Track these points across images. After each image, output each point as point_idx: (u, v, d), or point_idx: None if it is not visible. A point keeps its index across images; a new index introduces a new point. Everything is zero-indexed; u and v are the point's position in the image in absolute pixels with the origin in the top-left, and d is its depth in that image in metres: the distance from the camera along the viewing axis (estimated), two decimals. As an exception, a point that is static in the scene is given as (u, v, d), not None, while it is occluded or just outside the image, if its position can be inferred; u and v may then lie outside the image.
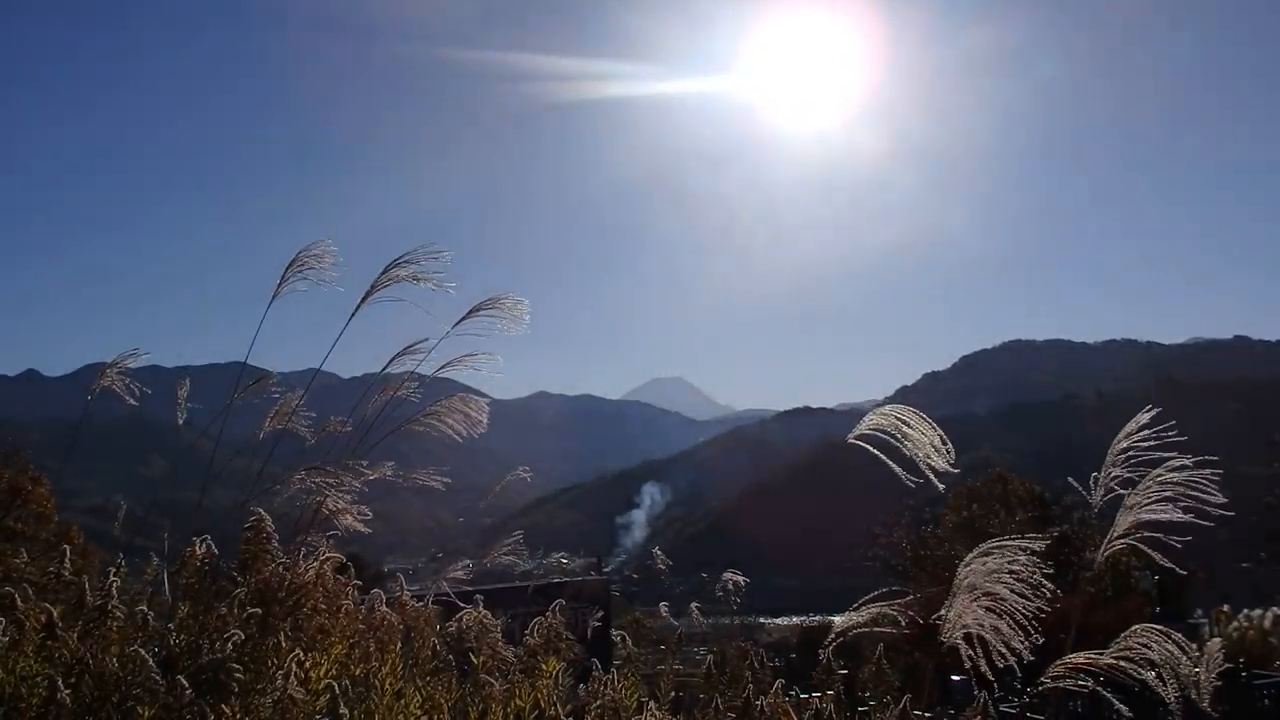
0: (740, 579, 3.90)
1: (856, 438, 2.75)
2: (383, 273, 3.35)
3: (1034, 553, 2.62)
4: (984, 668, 2.50)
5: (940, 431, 2.69)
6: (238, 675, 2.13)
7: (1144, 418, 2.69)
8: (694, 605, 4.26)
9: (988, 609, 2.56)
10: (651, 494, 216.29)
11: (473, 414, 3.39)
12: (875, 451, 2.70)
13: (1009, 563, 2.61)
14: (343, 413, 3.59)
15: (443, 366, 3.38)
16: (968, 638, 2.55)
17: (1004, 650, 2.50)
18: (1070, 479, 2.96)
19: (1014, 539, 2.67)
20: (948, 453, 2.66)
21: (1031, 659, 2.51)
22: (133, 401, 3.52)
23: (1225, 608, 21.19)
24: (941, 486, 2.67)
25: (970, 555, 2.65)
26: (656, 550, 5.16)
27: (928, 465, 2.65)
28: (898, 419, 2.70)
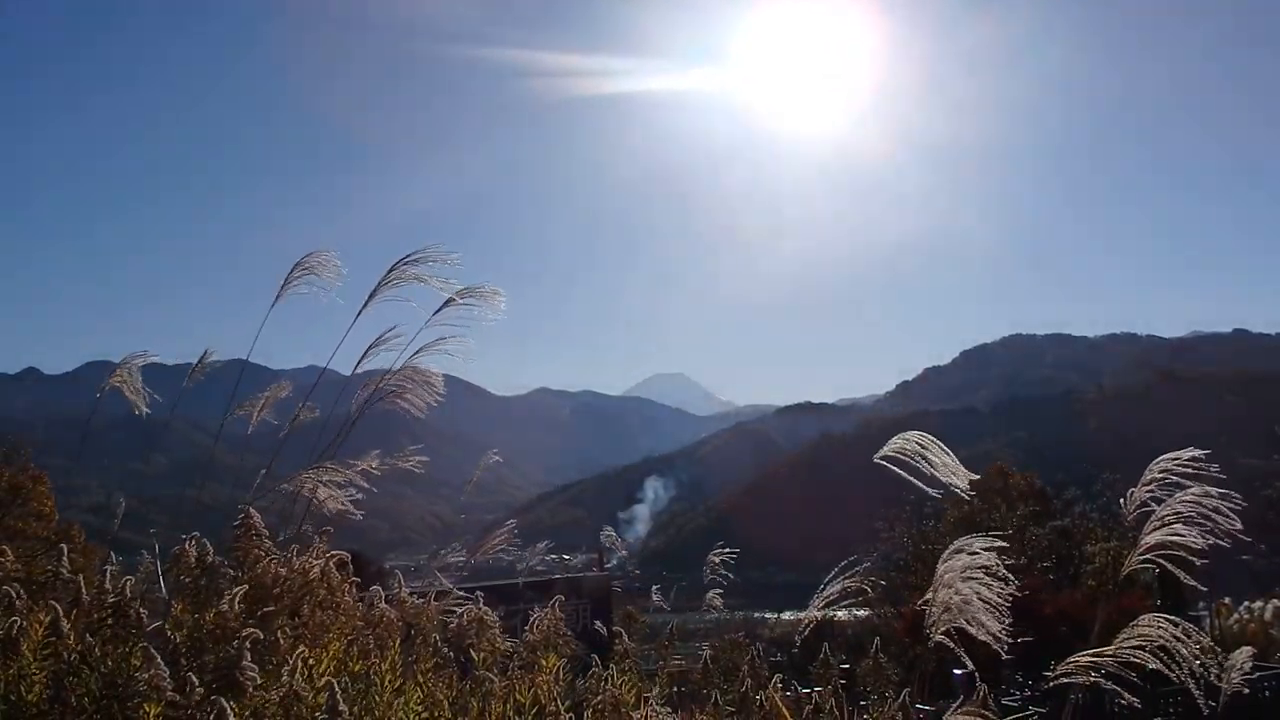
0: (723, 557, 3.94)
1: (881, 457, 2.99)
2: (389, 271, 3.38)
3: (999, 550, 2.80)
4: (966, 660, 2.62)
5: (955, 459, 2.95)
6: (252, 675, 2.13)
7: (1184, 454, 2.87)
8: (655, 592, 4.29)
9: (964, 603, 2.74)
10: (655, 487, 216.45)
11: (431, 383, 3.42)
12: (899, 471, 2.96)
13: (976, 558, 2.80)
14: (344, 409, 3.60)
15: (416, 354, 3.41)
16: (949, 632, 2.67)
17: (985, 640, 2.62)
18: (1118, 502, 3.10)
19: (980, 538, 2.87)
20: (964, 475, 2.92)
21: (1012, 649, 2.61)
22: (144, 408, 3.51)
23: (1226, 600, 21.22)
24: (967, 494, 2.90)
25: (945, 553, 2.81)
26: (607, 529, 5.11)
27: (950, 483, 2.90)
28: (918, 444, 2.98)
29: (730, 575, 4.00)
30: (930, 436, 3.01)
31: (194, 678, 2.05)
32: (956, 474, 2.90)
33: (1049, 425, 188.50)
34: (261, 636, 2.27)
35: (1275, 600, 19.81)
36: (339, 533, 3.23)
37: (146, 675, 2.06)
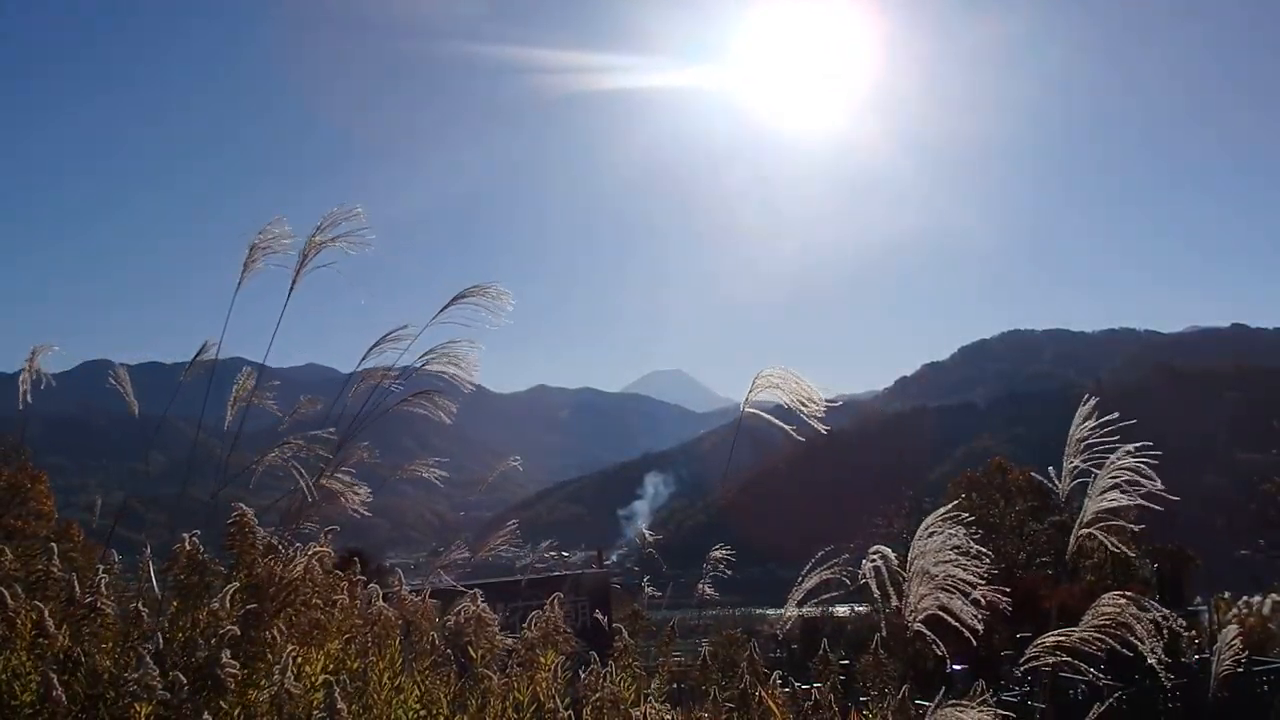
0: (724, 553, 3.93)
1: (750, 405, 2.95)
2: (308, 242, 3.35)
3: (967, 525, 2.75)
4: (939, 646, 2.58)
5: (809, 382, 2.87)
6: (233, 671, 2.12)
7: (1085, 409, 2.80)
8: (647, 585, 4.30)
9: (941, 588, 2.68)
10: (654, 483, 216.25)
11: (462, 372, 3.37)
12: (767, 416, 2.94)
13: (949, 538, 2.73)
14: (339, 406, 3.57)
15: (424, 355, 3.37)
16: (929, 622, 2.63)
17: (963, 627, 2.57)
18: (1035, 474, 3.06)
19: (951, 515, 2.77)
20: (819, 400, 2.84)
21: (1012, 644, 2.60)
22: (29, 400, 3.56)
23: (1225, 595, 21.30)
24: (809, 436, 2.83)
25: (916, 535, 2.74)
26: (646, 530, 5.07)
27: (809, 415, 2.84)
28: (775, 381, 2.91)
29: (729, 572, 3.98)
30: (790, 370, 2.90)
31: (182, 676, 2.04)
32: (812, 399, 2.83)
33: (1048, 420, 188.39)
34: (239, 633, 2.26)
35: (1274, 595, 19.86)
36: (337, 530, 3.21)
37: (136, 675, 2.05)
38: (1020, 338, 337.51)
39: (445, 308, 3.36)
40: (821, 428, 2.78)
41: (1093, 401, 2.79)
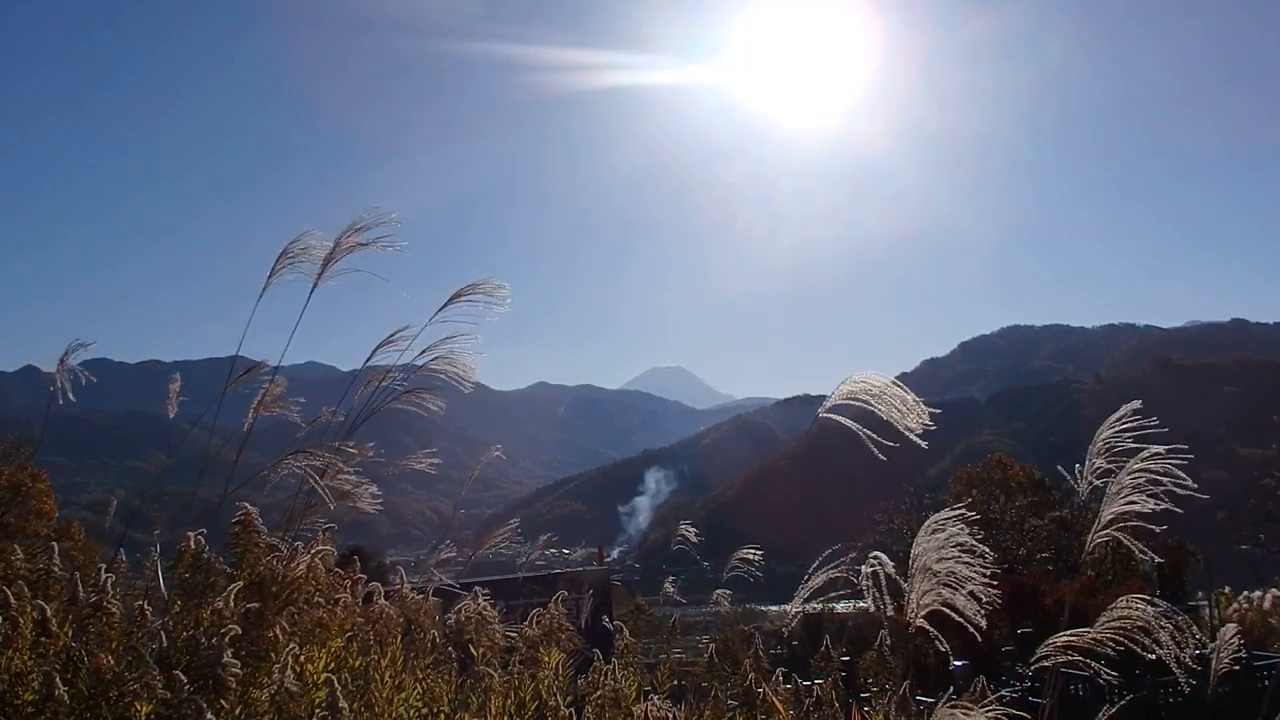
0: (755, 554, 3.90)
1: (829, 410, 2.74)
2: (335, 245, 3.34)
3: (970, 522, 2.67)
4: (942, 643, 2.55)
5: (906, 388, 2.66)
6: (234, 671, 2.12)
7: (1127, 408, 2.69)
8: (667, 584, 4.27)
9: (945, 585, 2.62)
10: (655, 480, 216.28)
11: (461, 372, 3.35)
12: (847, 422, 2.70)
13: (953, 536, 2.67)
14: (345, 407, 3.58)
15: (422, 352, 3.35)
16: (934, 619, 2.60)
17: (967, 624, 2.54)
18: (1060, 468, 2.96)
19: (953, 511, 2.72)
20: (919, 408, 2.63)
21: (1013, 640, 2.56)
22: (72, 398, 3.56)
23: (1226, 590, 21.34)
24: (924, 445, 2.62)
25: (918, 534, 2.68)
26: (687, 524, 5.00)
27: (903, 426, 2.62)
28: (867, 385, 2.69)
29: (759, 575, 3.90)
30: (885, 377, 2.67)
31: (181, 676, 2.04)
32: (909, 415, 2.59)
33: (1048, 416, 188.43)
34: (240, 633, 2.26)
35: (1274, 590, 19.89)
36: (339, 528, 3.22)
37: (136, 674, 2.05)
38: (1020, 333, 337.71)
39: (444, 306, 3.35)
40: (922, 443, 2.54)
41: (1134, 405, 2.66)
